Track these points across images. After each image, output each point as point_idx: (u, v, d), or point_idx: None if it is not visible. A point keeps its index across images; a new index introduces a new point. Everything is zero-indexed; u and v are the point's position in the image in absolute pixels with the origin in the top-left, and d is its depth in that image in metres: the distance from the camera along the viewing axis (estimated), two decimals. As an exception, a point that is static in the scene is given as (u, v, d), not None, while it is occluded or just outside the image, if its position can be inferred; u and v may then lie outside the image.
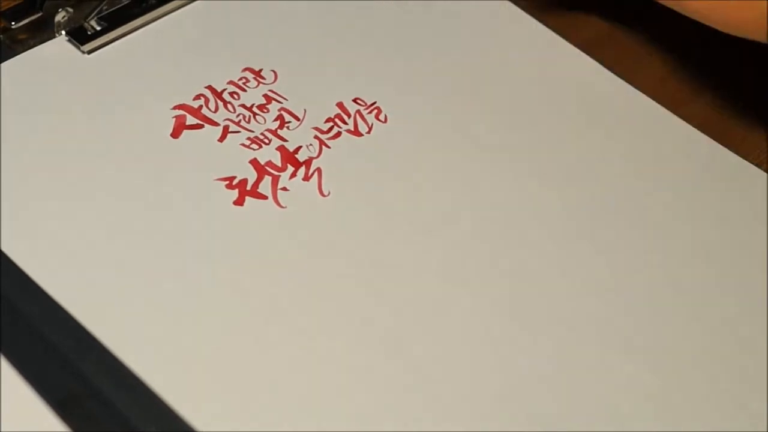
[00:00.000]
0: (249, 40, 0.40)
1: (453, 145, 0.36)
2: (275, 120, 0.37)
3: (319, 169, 0.35)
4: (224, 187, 0.34)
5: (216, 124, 0.36)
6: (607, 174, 0.36)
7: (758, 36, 0.32)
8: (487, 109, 0.38)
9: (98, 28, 0.39)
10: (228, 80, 0.38)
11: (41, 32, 0.39)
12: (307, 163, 0.35)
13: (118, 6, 0.40)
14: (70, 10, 0.39)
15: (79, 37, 0.39)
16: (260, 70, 0.39)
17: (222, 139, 0.36)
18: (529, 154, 0.37)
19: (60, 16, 0.39)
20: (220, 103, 0.37)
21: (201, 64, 0.39)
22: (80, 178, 0.34)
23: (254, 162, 0.35)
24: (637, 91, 0.39)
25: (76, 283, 0.31)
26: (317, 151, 0.36)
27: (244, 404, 0.28)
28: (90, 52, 0.39)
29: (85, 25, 0.40)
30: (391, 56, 0.40)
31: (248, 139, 0.36)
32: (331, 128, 0.37)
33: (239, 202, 0.34)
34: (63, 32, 0.39)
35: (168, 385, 0.28)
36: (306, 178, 0.35)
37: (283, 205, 0.34)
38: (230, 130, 0.36)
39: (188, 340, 0.29)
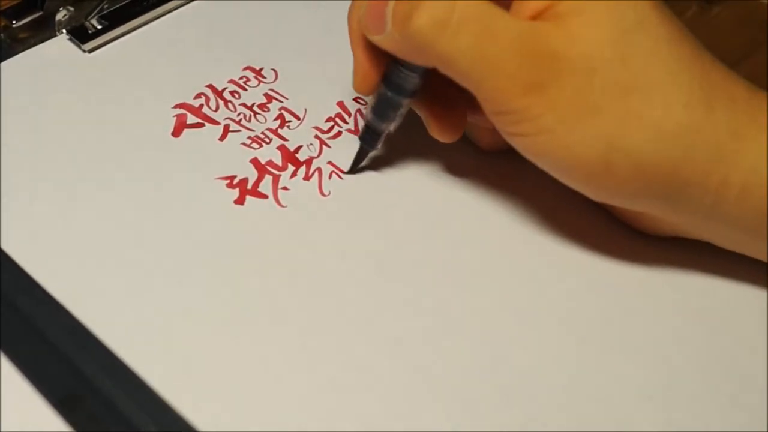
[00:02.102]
0: (250, 39, 0.40)
1: (454, 143, 0.36)
2: (276, 119, 0.37)
3: (319, 169, 0.35)
4: (225, 186, 0.34)
5: (217, 123, 0.36)
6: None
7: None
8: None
9: (99, 27, 0.40)
10: (229, 79, 0.38)
11: (42, 31, 0.39)
12: (308, 162, 0.35)
13: (119, 5, 0.40)
14: (71, 8, 0.39)
15: (80, 35, 0.39)
16: (261, 69, 0.39)
17: (223, 138, 0.36)
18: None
19: (61, 15, 0.39)
20: (221, 102, 0.37)
21: (202, 63, 0.39)
22: (81, 177, 0.34)
23: (255, 161, 0.35)
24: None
25: (77, 282, 0.31)
26: (318, 150, 0.36)
27: (244, 404, 0.28)
28: (91, 50, 0.39)
29: (86, 23, 0.40)
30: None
31: (249, 138, 0.36)
32: (331, 128, 0.37)
33: (240, 201, 0.34)
34: (64, 31, 0.39)
35: (168, 384, 0.28)
36: (306, 177, 0.35)
37: (284, 204, 0.34)
38: (231, 129, 0.36)
39: (189, 339, 0.29)
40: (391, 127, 0.33)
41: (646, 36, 0.28)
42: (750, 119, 0.28)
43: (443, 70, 0.29)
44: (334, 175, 0.35)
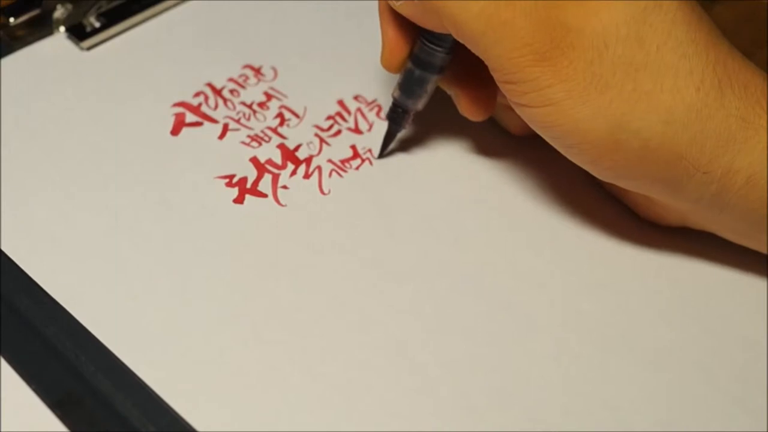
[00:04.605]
0: (249, 37, 0.40)
1: (455, 142, 0.36)
2: (275, 117, 0.37)
3: (319, 167, 0.35)
4: (224, 185, 0.34)
5: (216, 121, 0.36)
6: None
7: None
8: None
9: (97, 25, 0.39)
10: (228, 77, 0.38)
11: (40, 29, 0.39)
12: (308, 161, 0.35)
13: (117, 2, 0.40)
14: (69, 6, 0.39)
15: (78, 33, 0.39)
16: (260, 68, 0.39)
17: (222, 136, 0.36)
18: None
19: (59, 13, 0.39)
20: (220, 101, 0.37)
21: (201, 61, 0.39)
22: (79, 175, 0.34)
23: (254, 160, 0.35)
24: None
25: (76, 282, 0.30)
26: (317, 148, 0.36)
27: (243, 404, 0.28)
28: (89, 48, 0.39)
29: (84, 21, 0.39)
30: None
31: (248, 136, 0.36)
32: (331, 126, 0.37)
33: (239, 200, 0.34)
34: (62, 29, 0.39)
35: (167, 384, 0.28)
36: (306, 176, 0.35)
37: (283, 203, 0.34)
38: (230, 127, 0.36)
39: (187, 339, 0.29)
40: (419, 105, 0.34)
41: (663, 17, 0.28)
42: (762, 109, 0.28)
43: (456, 35, 0.29)
44: (334, 173, 0.35)
